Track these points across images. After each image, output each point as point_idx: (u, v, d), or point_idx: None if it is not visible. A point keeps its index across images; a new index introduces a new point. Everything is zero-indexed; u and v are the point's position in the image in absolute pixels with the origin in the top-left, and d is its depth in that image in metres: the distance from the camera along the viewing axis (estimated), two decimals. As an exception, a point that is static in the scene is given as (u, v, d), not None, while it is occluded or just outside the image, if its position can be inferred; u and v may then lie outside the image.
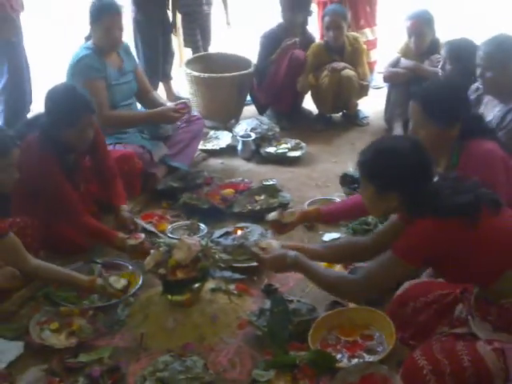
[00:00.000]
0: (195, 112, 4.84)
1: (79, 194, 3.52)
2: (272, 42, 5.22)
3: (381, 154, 2.43)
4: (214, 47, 6.11)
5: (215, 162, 4.69)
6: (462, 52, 4.08)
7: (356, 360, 2.57)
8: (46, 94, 3.39)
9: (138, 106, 4.51)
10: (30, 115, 5.01)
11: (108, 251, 3.46)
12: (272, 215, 3.17)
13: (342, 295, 2.68)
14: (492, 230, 2.31)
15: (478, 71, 3.43)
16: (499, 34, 3.47)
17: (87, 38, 4.21)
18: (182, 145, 4.46)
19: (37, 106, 4.98)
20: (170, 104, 4.30)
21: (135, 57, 4.47)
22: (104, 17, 4.06)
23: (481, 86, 3.52)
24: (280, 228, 3.18)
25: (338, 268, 3.19)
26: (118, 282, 3.02)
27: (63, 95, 3.32)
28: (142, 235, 3.32)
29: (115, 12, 4.11)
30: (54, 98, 3.34)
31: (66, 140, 3.30)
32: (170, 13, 5.67)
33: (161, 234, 3.56)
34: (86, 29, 4.19)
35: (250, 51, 5.60)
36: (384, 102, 5.17)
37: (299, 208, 3.43)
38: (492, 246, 2.30)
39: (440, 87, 2.98)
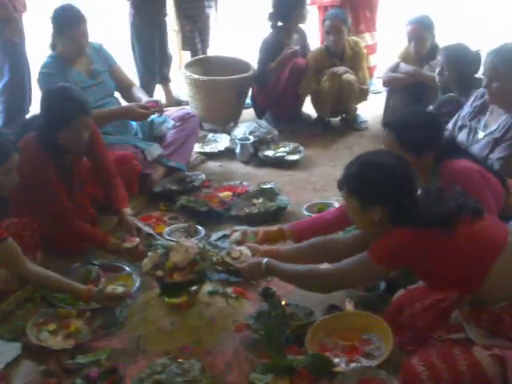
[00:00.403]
0: (190, 110, 4.82)
1: (75, 195, 3.51)
2: (272, 48, 5.21)
3: (364, 168, 2.53)
4: (213, 50, 6.12)
5: (213, 165, 4.69)
6: (458, 58, 4.11)
7: (354, 364, 2.56)
8: (41, 94, 3.39)
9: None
10: (28, 116, 5.02)
11: (106, 253, 3.46)
12: (234, 237, 3.18)
13: (311, 287, 2.74)
14: (470, 236, 2.40)
15: (484, 81, 3.46)
16: (505, 44, 3.48)
17: (52, 46, 4.17)
18: (177, 144, 4.45)
19: (36, 107, 4.99)
20: (144, 100, 4.26)
21: (111, 55, 4.42)
22: (71, 28, 4.03)
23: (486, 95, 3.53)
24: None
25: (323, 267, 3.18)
26: (114, 290, 2.99)
27: (58, 96, 3.32)
28: (137, 238, 3.35)
29: (81, 22, 4.08)
30: (49, 98, 3.35)
31: (62, 141, 3.30)
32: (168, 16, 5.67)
33: (158, 237, 3.56)
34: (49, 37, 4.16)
35: (250, 53, 5.60)
36: (383, 107, 5.18)
37: (261, 228, 3.36)
38: (470, 255, 2.37)
39: (412, 117, 3.05)
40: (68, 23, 4.04)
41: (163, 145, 4.42)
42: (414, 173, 2.54)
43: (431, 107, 4.26)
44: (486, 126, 3.54)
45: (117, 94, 4.45)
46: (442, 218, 2.39)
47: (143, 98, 4.31)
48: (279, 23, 5.24)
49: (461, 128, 3.64)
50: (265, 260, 2.75)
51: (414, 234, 2.40)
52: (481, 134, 3.53)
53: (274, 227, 3.28)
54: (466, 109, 3.69)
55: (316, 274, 2.65)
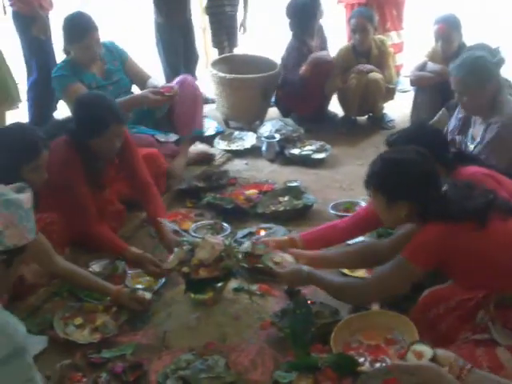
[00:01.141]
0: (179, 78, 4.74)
1: (103, 199, 3.52)
2: (298, 54, 5.21)
3: (387, 164, 2.56)
4: (241, 48, 6.13)
5: (240, 163, 4.70)
6: None
7: (378, 364, 2.55)
8: (76, 100, 3.40)
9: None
10: (56, 113, 5.07)
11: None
12: (244, 247, 3.08)
13: (351, 299, 2.78)
14: (504, 234, 2.38)
15: (455, 96, 3.53)
16: (467, 57, 3.51)
17: (65, 52, 4.22)
18: (186, 116, 4.50)
19: (63, 105, 5.04)
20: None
21: (124, 50, 4.43)
22: (83, 38, 4.06)
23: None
24: (253, 260, 3.05)
25: (360, 273, 3.18)
26: (143, 295, 3.01)
27: (93, 104, 3.31)
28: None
29: (92, 30, 4.11)
30: (84, 105, 3.34)
31: (93, 148, 3.31)
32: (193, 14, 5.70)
33: (184, 233, 3.57)
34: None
35: (276, 52, 5.60)
36: (410, 106, 5.14)
37: (271, 237, 3.30)
38: (504, 249, 2.36)
39: (416, 135, 2.96)
40: (79, 33, 4.07)
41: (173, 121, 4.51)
42: (436, 167, 2.54)
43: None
44: (473, 138, 3.58)
45: (135, 88, 4.48)
46: (474, 213, 2.39)
47: (157, 85, 4.33)
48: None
49: (450, 142, 3.61)
50: (306, 268, 2.76)
51: (445, 229, 2.40)
52: (471, 147, 3.55)
53: (284, 237, 3.24)
54: (453, 122, 3.73)
55: (355, 285, 2.70)
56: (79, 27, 4.09)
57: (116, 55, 4.35)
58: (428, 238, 2.45)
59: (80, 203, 3.31)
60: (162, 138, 4.35)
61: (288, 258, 2.94)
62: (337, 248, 3.19)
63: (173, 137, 4.43)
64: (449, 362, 1.88)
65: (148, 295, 3.01)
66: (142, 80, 4.43)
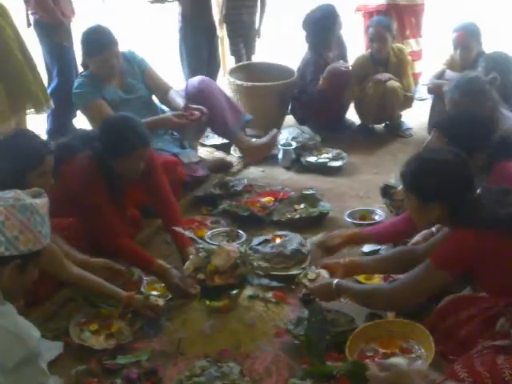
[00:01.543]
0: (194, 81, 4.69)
1: (122, 216, 3.50)
2: (315, 67, 5.19)
3: (422, 164, 2.54)
4: (258, 56, 6.14)
5: (256, 170, 4.70)
6: (498, 66, 4.06)
7: (393, 373, 2.53)
8: (103, 121, 3.41)
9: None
10: (75, 119, 5.11)
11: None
12: (317, 238, 3.18)
13: (380, 305, 2.75)
14: None
15: None
16: (461, 79, 3.54)
17: (84, 66, 4.20)
18: (227, 109, 4.52)
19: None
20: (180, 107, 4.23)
21: (143, 60, 4.37)
22: (101, 52, 4.04)
23: None
24: (325, 251, 3.21)
25: (376, 280, 3.17)
26: (157, 301, 2.99)
27: (120, 126, 3.28)
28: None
29: (112, 44, 4.08)
30: (111, 126, 3.33)
31: (117, 169, 3.29)
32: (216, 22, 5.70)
33: (200, 240, 3.57)
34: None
35: (293, 59, 5.60)
36: (428, 114, 5.12)
37: (342, 231, 3.37)
38: None
39: (462, 118, 3.02)
40: (97, 47, 4.05)
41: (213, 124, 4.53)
42: (472, 170, 2.52)
43: None
44: None
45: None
46: (505, 220, 2.36)
47: (180, 103, 4.27)
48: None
49: None
50: (335, 281, 2.77)
51: (476, 235, 2.37)
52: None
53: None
54: None
55: (382, 291, 2.69)
56: (98, 41, 4.07)
57: (135, 65, 4.31)
58: (457, 245, 2.43)
59: (105, 221, 3.28)
60: (185, 158, 4.28)
61: (324, 273, 2.96)
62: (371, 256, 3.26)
63: (195, 157, 4.39)
64: (423, 374, 1.97)
65: (161, 302, 3.01)
66: (162, 91, 4.39)
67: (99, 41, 4.07)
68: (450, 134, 2.92)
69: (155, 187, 3.50)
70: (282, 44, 7.57)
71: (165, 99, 4.40)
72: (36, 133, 3.25)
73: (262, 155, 4.67)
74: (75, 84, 4.20)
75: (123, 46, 4.28)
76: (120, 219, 3.40)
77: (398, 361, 2.13)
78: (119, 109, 4.03)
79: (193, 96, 4.46)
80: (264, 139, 4.66)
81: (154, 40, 7.46)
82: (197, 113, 4.17)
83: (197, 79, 4.66)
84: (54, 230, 2.94)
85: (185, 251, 3.29)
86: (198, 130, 4.68)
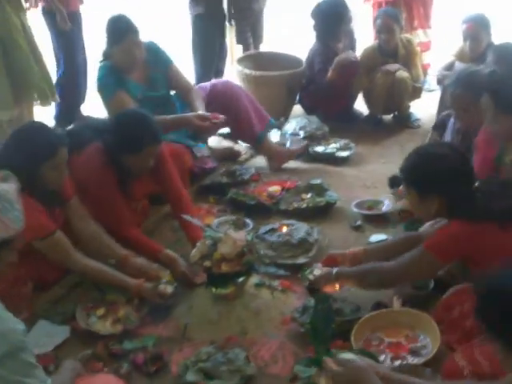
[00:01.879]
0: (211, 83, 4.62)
1: (131, 206, 3.51)
2: (324, 58, 5.17)
3: (419, 159, 2.65)
4: (266, 45, 6.12)
5: (263, 160, 4.69)
6: (507, 57, 4.03)
7: (399, 361, 2.54)
8: (116, 115, 3.41)
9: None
10: (83, 106, 5.12)
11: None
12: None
13: (372, 282, 2.81)
14: None
15: (454, 114, 3.58)
16: (461, 72, 3.56)
17: (105, 55, 4.14)
18: (253, 113, 4.43)
19: (91, 99, 5.08)
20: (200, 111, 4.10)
21: (167, 55, 4.29)
22: (124, 39, 3.99)
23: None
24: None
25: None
26: (165, 289, 2.99)
27: (133, 123, 3.27)
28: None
29: (134, 32, 4.04)
30: (124, 122, 3.32)
31: (126, 163, 3.30)
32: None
33: (207, 228, 3.58)
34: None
35: (302, 48, 5.59)
36: (436, 105, 5.10)
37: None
38: None
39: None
40: (118, 35, 4.01)
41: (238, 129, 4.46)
42: (470, 163, 2.63)
43: None
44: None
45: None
46: (499, 214, 2.43)
47: (200, 107, 4.14)
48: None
49: None
50: (335, 269, 2.86)
51: (468, 227, 2.47)
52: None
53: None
54: (450, 135, 3.74)
55: (379, 269, 2.78)
56: (118, 30, 4.03)
57: (159, 59, 4.22)
58: (450, 233, 2.53)
59: (114, 210, 3.30)
60: (198, 152, 4.27)
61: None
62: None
63: (206, 151, 4.36)
64: (374, 368, 2.06)
65: (170, 289, 3.01)
66: (183, 90, 4.30)
67: (120, 29, 4.02)
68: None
69: (165, 178, 3.51)
70: (289, 33, 7.53)
71: (184, 97, 4.29)
72: (49, 125, 3.25)
73: (288, 160, 4.59)
74: (98, 74, 4.13)
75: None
76: (129, 210, 3.42)
77: (350, 356, 2.16)
78: (139, 105, 3.95)
79: (216, 98, 4.38)
80: (293, 148, 4.63)
81: (165, 31, 7.43)
82: (222, 116, 4.04)
83: (221, 81, 4.62)
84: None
85: (196, 241, 3.25)
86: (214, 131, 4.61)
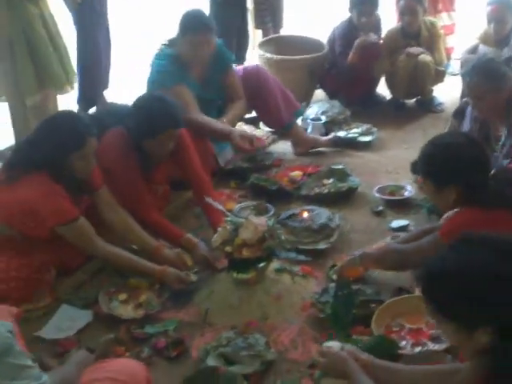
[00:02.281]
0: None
1: (154, 191, 3.53)
2: (346, 40, 5.11)
3: (434, 149, 2.63)
4: (287, 29, 6.08)
5: (285, 145, 4.67)
6: None
7: (419, 348, 2.53)
8: (136, 99, 3.40)
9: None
10: (107, 92, 5.12)
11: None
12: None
13: (391, 263, 2.88)
14: None
15: (471, 103, 3.54)
16: (478, 61, 3.54)
17: (171, 42, 4.06)
18: (281, 102, 4.38)
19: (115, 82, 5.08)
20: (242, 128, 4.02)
21: (230, 57, 4.23)
22: (194, 34, 3.90)
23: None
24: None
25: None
26: (188, 276, 3.03)
27: (153, 106, 3.27)
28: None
29: (207, 30, 3.95)
30: (144, 105, 3.32)
31: (146, 147, 3.32)
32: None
33: (228, 213, 3.58)
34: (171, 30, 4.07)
35: (322, 33, 5.55)
36: (460, 89, 5.04)
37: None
38: None
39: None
40: (194, 27, 3.92)
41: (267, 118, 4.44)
42: (486, 152, 2.60)
43: None
44: (496, 138, 3.55)
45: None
46: (508, 201, 2.44)
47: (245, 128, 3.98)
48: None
49: None
50: (359, 253, 2.96)
51: (480, 214, 2.45)
52: (496, 148, 3.53)
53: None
54: (468, 124, 3.70)
55: (400, 251, 2.83)
56: (195, 21, 3.95)
57: (220, 61, 4.12)
58: (462, 221, 2.52)
59: (137, 194, 3.33)
60: (222, 160, 4.19)
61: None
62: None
63: (230, 154, 4.26)
64: (355, 355, 2.11)
65: (194, 277, 3.04)
66: (233, 98, 4.21)
67: (198, 21, 3.96)
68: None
69: (186, 163, 3.51)
70: (310, 18, 7.47)
71: (229, 103, 4.20)
72: (79, 114, 3.25)
73: (312, 148, 4.55)
74: (161, 60, 3.99)
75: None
76: (151, 194, 3.44)
77: (332, 344, 2.21)
78: None
79: (247, 83, 4.29)
80: (322, 139, 4.58)
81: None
82: (265, 141, 3.90)
83: (253, 66, 4.56)
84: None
85: (217, 226, 3.25)
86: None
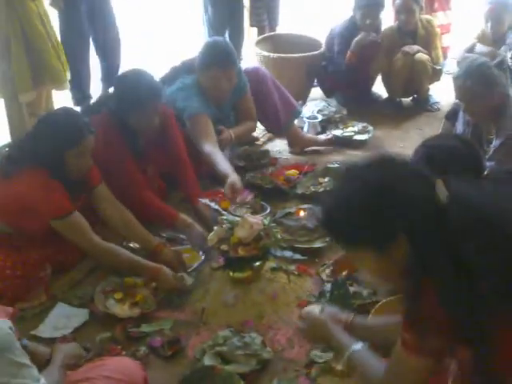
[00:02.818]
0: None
1: (146, 177, 3.53)
2: (344, 40, 5.10)
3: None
4: (283, 28, 6.07)
5: (281, 143, 4.67)
6: None
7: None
8: (117, 77, 3.44)
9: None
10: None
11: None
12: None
13: None
14: None
15: (462, 107, 3.53)
16: (470, 65, 3.48)
17: (187, 66, 3.97)
18: (278, 104, 4.36)
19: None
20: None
21: (246, 82, 4.12)
22: (220, 69, 3.82)
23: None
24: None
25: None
26: (182, 279, 3.01)
27: (132, 79, 3.34)
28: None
29: (233, 66, 3.89)
30: (123, 81, 3.39)
31: (132, 124, 3.34)
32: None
33: (224, 212, 3.58)
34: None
35: (319, 32, 5.54)
36: (456, 89, 5.05)
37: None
38: None
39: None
40: (220, 63, 3.83)
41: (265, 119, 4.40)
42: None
43: None
44: (488, 141, 3.56)
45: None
46: None
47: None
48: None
49: None
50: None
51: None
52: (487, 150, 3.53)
53: None
54: (461, 127, 3.73)
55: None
56: (226, 57, 3.86)
57: (237, 87, 4.05)
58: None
59: (128, 174, 3.33)
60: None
61: None
62: None
63: (226, 154, 4.08)
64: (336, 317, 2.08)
65: (189, 280, 3.03)
66: (245, 119, 4.20)
67: (225, 56, 3.86)
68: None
69: (171, 143, 3.59)
70: (306, 16, 7.47)
71: (240, 122, 4.19)
72: (76, 111, 3.25)
73: (308, 147, 4.56)
74: (185, 86, 3.89)
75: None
76: (143, 174, 3.46)
77: (312, 308, 2.21)
78: None
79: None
80: (319, 138, 4.58)
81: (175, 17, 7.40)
82: (249, 199, 3.65)
83: (252, 67, 4.52)
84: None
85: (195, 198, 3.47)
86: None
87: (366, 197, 1.65)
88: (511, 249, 1.58)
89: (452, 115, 3.95)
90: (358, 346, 2.04)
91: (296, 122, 4.73)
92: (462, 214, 1.61)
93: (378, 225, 1.64)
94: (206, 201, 3.54)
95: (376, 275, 1.79)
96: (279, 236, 3.10)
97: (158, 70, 4.00)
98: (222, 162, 3.62)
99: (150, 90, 3.30)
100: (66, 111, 3.07)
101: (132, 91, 3.27)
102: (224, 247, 2.96)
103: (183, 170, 3.61)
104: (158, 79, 3.69)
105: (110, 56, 5.04)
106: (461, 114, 3.70)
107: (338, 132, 4.68)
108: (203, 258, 3.25)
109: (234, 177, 3.48)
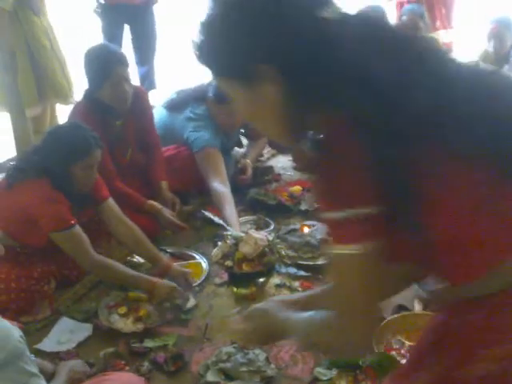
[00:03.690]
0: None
1: (125, 160, 3.65)
2: None
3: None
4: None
5: (284, 159, 4.69)
6: None
7: (419, 365, 2.52)
8: (84, 56, 3.52)
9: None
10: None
11: (176, 241, 3.53)
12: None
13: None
14: None
15: None
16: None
17: (196, 94, 4.00)
18: None
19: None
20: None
21: None
22: (231, 106, 3.66)
23: None
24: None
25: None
26: (183, 296, 2.99)
27: (96, 51, 3.48)
28: None
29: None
30: (89, 56, 3.48)
31: (105, 98, 3.43)
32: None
33: (228, 227, 3.58)
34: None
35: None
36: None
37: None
38: None
39: None
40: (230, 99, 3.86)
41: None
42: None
43: None
44: None
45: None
46: None
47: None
48: None
49: None
50: None
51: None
52: None
53: None
54: None
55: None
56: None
57: None
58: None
59: (103, 163, 3.22)
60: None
61: None
62: None
63: (230, 169, 4.06)
64: (288, 302, 1.65)
65: (193, 302, 3.00)
66: (255, 137, 4.34)
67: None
68: None
69: (147, 126, 3.76)
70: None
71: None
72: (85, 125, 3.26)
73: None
74: (188, 122, 3.93)
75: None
76: (118, 160, 3.59)
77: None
78: None
79: None
80: None
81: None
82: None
83: None
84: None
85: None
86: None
87: (224, 19, 1.27)
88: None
89: None
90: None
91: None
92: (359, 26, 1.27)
93: (233, 54, 1.28)
94: (209, 215, 3.55)
95: (253, 120, 1.44)
96: (283, 252, 3.11)
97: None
98: (230, 210, 3.50)
99: (115, 56, 3.44)
100: (74, 124, 3.09)
101: (99, 60, 3.40)
102: (228, 263, 2.96)
103: (154, 153, 3.80)
104: (164, 102, 4.00)
105: None
106: None
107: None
108: (207, 273, 3.24)
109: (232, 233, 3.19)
